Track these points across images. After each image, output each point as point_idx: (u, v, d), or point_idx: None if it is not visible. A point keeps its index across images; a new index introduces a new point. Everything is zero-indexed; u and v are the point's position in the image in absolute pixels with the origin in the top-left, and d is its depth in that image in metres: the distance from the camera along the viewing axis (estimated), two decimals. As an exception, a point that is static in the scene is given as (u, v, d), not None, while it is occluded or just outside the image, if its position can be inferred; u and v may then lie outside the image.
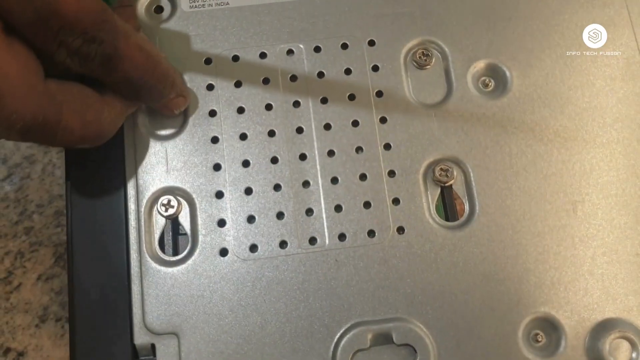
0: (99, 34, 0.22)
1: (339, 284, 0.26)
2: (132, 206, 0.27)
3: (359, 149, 0.28)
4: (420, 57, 0.29)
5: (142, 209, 0.27)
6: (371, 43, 0.30)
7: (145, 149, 0.28)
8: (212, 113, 0.28)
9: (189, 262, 0.27)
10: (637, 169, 0.28)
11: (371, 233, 0.27)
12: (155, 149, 0.28)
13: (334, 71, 0.29)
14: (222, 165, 0.28)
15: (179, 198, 0.27)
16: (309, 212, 0.27)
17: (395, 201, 0.28)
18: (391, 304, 0.26)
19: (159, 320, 0.26)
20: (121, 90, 0.25)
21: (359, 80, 0.29)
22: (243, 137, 0.28)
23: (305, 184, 0.28)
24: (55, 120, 0.23)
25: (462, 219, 0.28)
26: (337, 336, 0.26)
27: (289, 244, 0.27)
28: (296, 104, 0.29)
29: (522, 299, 0.27)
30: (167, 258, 0.27)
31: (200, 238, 0.27)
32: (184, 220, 0.27)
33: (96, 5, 0.22)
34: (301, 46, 0.29)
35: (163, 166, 0.28)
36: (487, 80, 0.30)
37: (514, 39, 0.30)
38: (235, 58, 0.29)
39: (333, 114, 0.29)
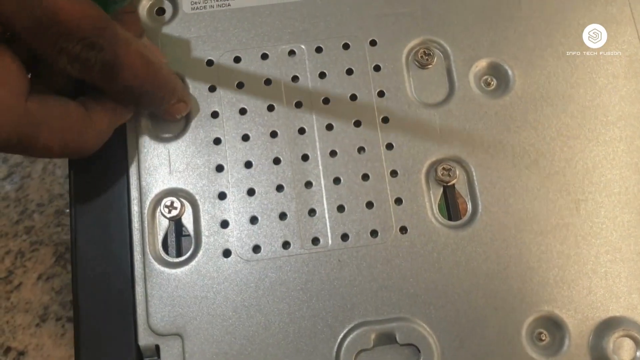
0: (98, 41, 0.22)
1: (342, 284, 0.26)
2: (135, 208, 0.27)
3: (361, 149, 0.28)
4: (422, 57, 0.29)
5: (146, 211, 0.27)
6: (373, 43, 0.30)
7: (148, 151, 0.28)
8: (215, 114, 0.28)
9: (193, 263, 0.27)
10: (640, 167, 0.28)
11: (374, 233, 0.27)
12: (158, 150, 0.28)
13: (336, 71, 0.29)
14: (225, 167, 0.28)
15: (182, 199, 0.27)
16: (312, 212, 0.27)
17: (398, 201, 0.28)
18: (394, 303, 0.26)
19: (163, 321, 0.26)
20: (121, 98, 0.25)
21: (360, 81, 0.29)
22: (245, 138, 0.28)
23: (308, 184, 0.28)
24: (33, 139, 0.23)
25: (464, 219, 0.28)
26: (341, 336, 0.26)
27: (291, 245, 0.27)
28: (298, 104, 0.29)
29: (526, 298, 0.27)
30: (170, 259, 0.27)
31: (204, 239, 0.27)
32: (187, 221, 0.27)
33: (96, 12, 0.22)
34: (303, 47, 0.29)
35: (166, 168, 0.28)
36: (489, 79, 0.30)
37: (516, 38, 0.30)
38: (237, 59, 0.29)
39: (335, 114, 0.29)
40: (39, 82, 0.24)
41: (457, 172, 0.28)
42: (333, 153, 0.28)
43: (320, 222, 0.27)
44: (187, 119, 0.28)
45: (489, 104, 0.29)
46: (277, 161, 0.28)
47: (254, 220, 0.27)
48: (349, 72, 0.29)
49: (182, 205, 0.27)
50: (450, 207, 0.28)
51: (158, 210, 0.27)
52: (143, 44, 0.25)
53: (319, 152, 0.28)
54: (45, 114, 0.23)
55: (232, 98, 0.29)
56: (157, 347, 0.26)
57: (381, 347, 0.26)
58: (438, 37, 0.30)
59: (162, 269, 0.26)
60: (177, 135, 0.28)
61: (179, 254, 0.27)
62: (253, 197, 0.27)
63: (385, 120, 0.29)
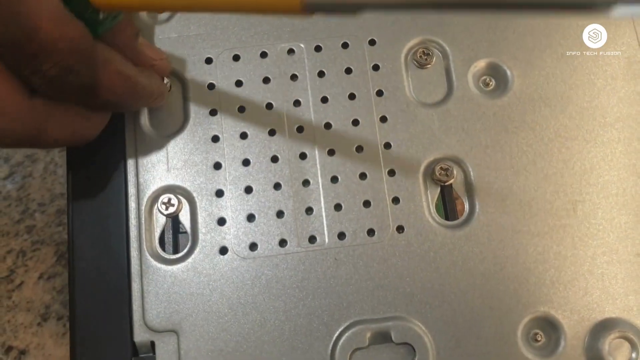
0: (74, 65, 0.21)
1: (338, 282, 0.26)
2: (132, 204, 0.27)
3: (359, 148, 0.28)
4: (420, 57, 0.29)
5: (143, 208, 0.27)
6: (372, 42, 0.30)
7: (146, 147, 0.28)
8: (213, 112, 0.29)
9: (189, 260, 0.27)
10: (637, 168, 0.28)
11: (371, 232, 0.27)
12: (156, 147, 0.28)
13: (335, 70, 0.29)
14: (223, 164, 0.28)
15: (180, 196, 0.27)
16: (309, 210, 0.27)
17: (395, 200, 0.28)
18: (390, 302, 0.26)
19: (158, 317, 0.26)
20: (99, 110, 0.25)
21: (359, 80, 0.29)
22: (243, 136, 0.28)
23: (305, 182, 0.28)
24: (43, 133, 0.23)
25: (461, 218, 0.28)
26: (336, 334, 0.26)
27: (288, 243, 0.27)
28: (296, 103, 0.29)
29: (522, 299, 0.27)
30: (167, 256, 0.27)
31: (200, 236, 0.27)
32: (184, 218, 0.27)
33: (76, 33, 0.21)
34: (302, 45, 0.30)
35: (164, 165, 0.28)
36: (488, 79, 0.30)
37: (515, 39, 0.30)
38: (236, 57, 0.29)
39: (333, 113, 0.29)
40: None
41: (455, 172, 0.28)
42: (331, 152, 0.28)
43: (317, 221, 0.27)
44: (186, 116, 0.28)
45: (488, 104, 0.29)
46: (274, 159, 0.28)
47: (251, 218, 0.27)
48: (348, 71, 0.29)
49: (180, 202, 0.27)
50: (448, 207, 0.28)
51: (155, 207, 0.27)
52: (133, 55, 0.25)
53: (316, 151, 0.28)
54: (51, 107, 0.23)
55: (230, 96, 0.29)
56: (153, 344, 0.26)
57: (376, 345, 0.26)
58: (437, 37, 0.30)
59: (159, 265, 0.27)
60: (175, 133, 0.28)
61: (175, 251, 0.27)
62: (250, 195, 0.27)
63: (383, 119, 0.29)
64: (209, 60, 0.29)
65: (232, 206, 0.27)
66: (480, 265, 0.27)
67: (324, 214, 0.27)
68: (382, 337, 0.26)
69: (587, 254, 0.27)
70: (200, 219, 0.27)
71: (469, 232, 0.27)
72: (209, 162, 0.28)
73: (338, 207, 0.27)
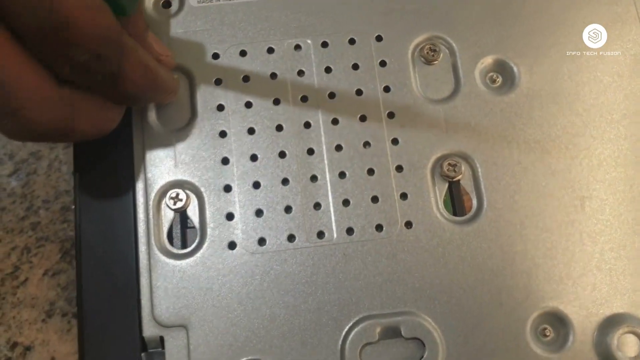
0: (106, 52, 0.21)
1: (347, 277, 0.26)
2: (140, 199, 0.27)
3: (366, 144, 0.28)
4: (427, 53, 0.30)
5: (151, 203, 0.27)
6: (379, 38, 0.30)
7: (153, 142, 0.28)
8: (220, 107, 0.28)
9: (198, 255, 0.27)
10: (644, 164, 0.28)
11: (379, 227, 0.27)
12: (164, 142, 0.28)
13: (342, 66, 0.29)
14: (230, 159, 0.28)
15: (188, 191, 0.27)
16: (317, 206, 0.27)
17: (403, 196, 0.28)
18: (399, 298, 0.26)
19: (167, 312, 0.26)
20: (117, 101, 0.25)
21: (366, 76, 0.29)
22: (251, 131, 0.28)
23: (313, 178, 0.28)
24: (70, 124, 0.23)
25: (469, 214, 0.28)
26: (346, 329, 0.26)
27: (297, 238, 0.27)
28: (304, 99, 0.29)
29: (530, 294, 0.27)
30: (175, 251, 0.27)
31: (209, 231, 0.27)
32: (193, 213, 0.27)
33: (107, 21, 0.21)
34: (309, 41, 0.30)
35: (171, 160, 0.28)
36: (495, 76, 0.30)
37: (522, 35, 0.30)
38: (243, 53, 0.29)
39: (340, 109, 0.29)
40: None
41: (463, 168, 0.28)
42: (338, 147, 0.28)
43: (326, 216, 0.27)
44: (193, 112, 0.28)
45: (495, 100, 0.29)
46: (282, 155, 0.28)
47: (259, 213, 0.27)
48: (355, 67, 0.29)
49: (188, 197, 0.27)
50: (456, 202, 0.28)
51: (163, 201, 0.27)
52: (144, 49, 0.25)
53: (324, 146, 0.28)
54: (77, 97, 0.23)
55: (238, 91, 0.29)
56: (162, 339, 0.26)
57: (386, 340, 0.26)
58: (444, 33, 0.30)
59: (167, 260, 0.26)
60: (182, 128, 0.28)
61: (184, 246, 0.27)
62: (258, 190, 0.27)
63: (390, 115, 0.29)
64: (216, 56, 0.29)
65: (240, 201, 0.27)
66: (488, 260, 0.27)
67: (332, 210, 0.27)
68: (392, 332, 0.26)
69: (595, 250, 0.27)
70: (208, 214, 0.27)
71: (477, 227, 0.27)
72: (216, 157, 0.28)
73: (346, 202, 0.27)
